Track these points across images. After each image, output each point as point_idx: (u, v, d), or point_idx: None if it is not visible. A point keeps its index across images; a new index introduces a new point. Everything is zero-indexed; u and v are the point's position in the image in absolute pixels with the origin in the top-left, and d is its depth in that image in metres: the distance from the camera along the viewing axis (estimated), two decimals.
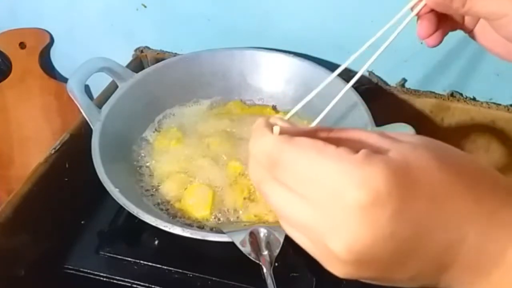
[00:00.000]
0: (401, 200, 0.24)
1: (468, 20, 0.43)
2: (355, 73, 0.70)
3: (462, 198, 0.25)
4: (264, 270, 0.44)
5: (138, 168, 0.62)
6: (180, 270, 0.54)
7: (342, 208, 0.24)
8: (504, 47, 0.42)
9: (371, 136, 0.28)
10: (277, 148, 0.26)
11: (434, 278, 0.27)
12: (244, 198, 0.57)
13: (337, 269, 0.26)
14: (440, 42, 0.44)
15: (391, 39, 0.40)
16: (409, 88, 0.72)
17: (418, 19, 0.42)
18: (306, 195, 0.26)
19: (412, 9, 0.41)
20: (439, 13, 0.41)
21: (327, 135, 0.28)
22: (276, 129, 0.28)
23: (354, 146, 0.26)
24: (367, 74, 0.71)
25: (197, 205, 0.56)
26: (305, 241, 0.27)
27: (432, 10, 0.41)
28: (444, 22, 0.43)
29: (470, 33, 0.44)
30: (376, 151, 0.25)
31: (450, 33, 0.68)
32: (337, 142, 0.26)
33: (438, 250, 0.25)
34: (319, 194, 0.25)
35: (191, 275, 0.54)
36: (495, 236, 0.26)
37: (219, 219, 0.56)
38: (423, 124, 0.71)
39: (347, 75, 0.69)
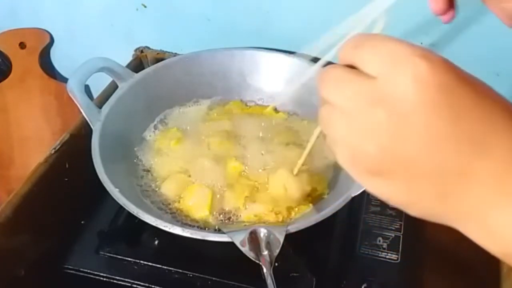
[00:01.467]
0: (453, 80, 0.26)
1: None
2: None
3: (504, 108, 0.27)
4: (264, 270, 0.44)
5: (138, 168, 0.62)
6: (180, 270, 0.54)
7: (400, 74, 0.26)
8: None
9: None
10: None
11: (458, 185, 0.27)
12: (245, 198, 0.57)
13: (375, 142, 0.27)
14: (454, 16, 0.45)
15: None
16: None
17: None
18: (374, 66, 0.28)
19: None
20: None
21: None
22: None
23: None
24: None
25: (197, 206, 0.56)
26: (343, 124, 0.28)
27: None
28: None
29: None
30: None
31: (450, 34, 0.68)
32: None
33: (470, 142, 0.26)
34: (380, 64, 0.27)
35: (191, 275, 0.54)
36: None
37: (219, 220, 0.56)
38: None
39: None
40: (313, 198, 0.57)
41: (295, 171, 0.56)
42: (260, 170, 0.59)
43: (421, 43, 0.66)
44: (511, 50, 0.63)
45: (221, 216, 0.56)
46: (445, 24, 0.45)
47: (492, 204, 0.27)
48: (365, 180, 0.29)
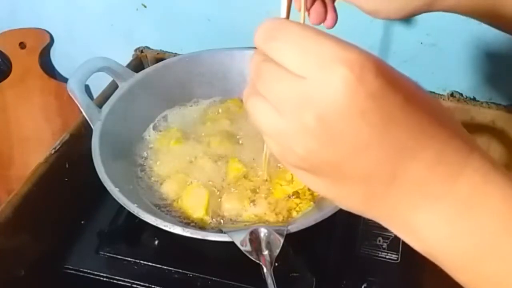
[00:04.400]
0: (383, 86, 0.25)
1: None
2: None
3: (429, 116, 0.27)
4: (264, 270, 0.44)
5: (138, 168, 0.62)
6: (180, 270, 0.54)
7: (328, 79, 0.25)
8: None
9: None
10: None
11: (383, 190, 0.27)
12: (245, 198, 0.57)
13: (302, 145, 0.27)
14: (336, 18, 0.50)
15: None
16: None
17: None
18: (299, 65, 0.26)
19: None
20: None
21: None
22: None
23: None
24: None
25: (194, 206, 0.56)
26: (280, 122, 0.28)
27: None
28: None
29: None
30: None
31: (450, 34, 0.68)
32: None
33: (395, 150, 0.26)
34: (313, 68, 0.26)
35: (191, 275, 0.54)
36: (448, 160, 0.27)
37: (215, 220, 0.56)
38: None
39: None
40: (315, 196, 0.57)
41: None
42: (260, 173, 0.59)
43: (421, 43, 0.66)
44: (511, 50, 0.64)
45: (221, 216, 0.56)
46: (329, 29, 0.48)
47: (413, 206, 0.27)
48: (294, 172, 0.30)
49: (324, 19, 0.49)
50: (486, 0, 0.44)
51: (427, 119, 0.27)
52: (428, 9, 0.45)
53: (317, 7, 0.48)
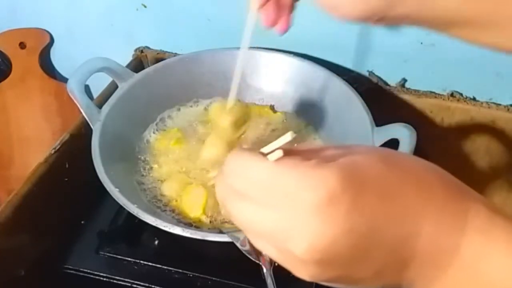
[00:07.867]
0: (354, 197, 0.25)
1: None
2: (356, 73, 0.71)
3: (413, 193, 0.27)
4: (264, 270, 0.44)
5: (138, 168, 0.62)
6: (180, 270, 0.55)
7: (301, 210, 0.25)
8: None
9: (327, 147, 0.30)
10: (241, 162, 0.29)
11: (397, 275, 0.27)
12: None
13: (303, 272, 0.28)
14: (288, 27, 0.46)
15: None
16: (409, 88, 0.72)
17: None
18: (267, 203, 0.27)
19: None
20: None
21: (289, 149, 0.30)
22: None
23: (310, 157, 0.27)
24: (367, 74, 0.71)
25: (191, 206, 0.56)
26: (271, 250, 0.29)
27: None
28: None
29: None
30: (329, 160, 0.27)
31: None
32: (296, 154, 0.28)
33: (395, 243, 0.26)
34: (279, 200, 0.26)
35: (191, 275, 0.54)
36: (447, 228, 0.27)
37: (213, 220, 0.56)
38: (423, 124, 0.71)
39: (347, 75, 0.70)
40: None
41: None
42: None
43: (421, 43, 0.66)
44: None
45: (217, 217, 0.56)
46: (281, 35, 0.46)
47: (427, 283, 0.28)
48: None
49: (275, 22, 0.47)
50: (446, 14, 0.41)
51: (411, 198, 0.27)
52: (386, 13, 0.40)
53: (269, 8, 0.45)
